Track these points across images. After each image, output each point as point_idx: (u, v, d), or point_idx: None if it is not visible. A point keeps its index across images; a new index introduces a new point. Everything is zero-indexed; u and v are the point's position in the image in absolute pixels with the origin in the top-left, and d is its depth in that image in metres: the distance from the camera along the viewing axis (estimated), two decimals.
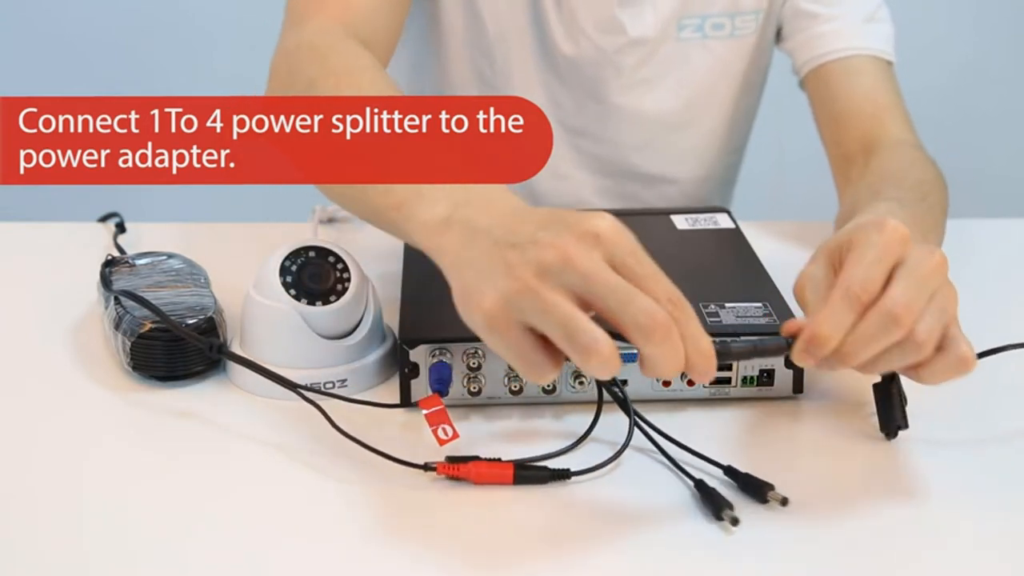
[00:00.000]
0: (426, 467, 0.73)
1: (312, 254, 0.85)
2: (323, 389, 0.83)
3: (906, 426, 0.76)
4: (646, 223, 1.02)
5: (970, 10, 2.44)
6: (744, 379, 0.82)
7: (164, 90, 2.60)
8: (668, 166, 1.26)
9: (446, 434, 0.75)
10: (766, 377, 0.82)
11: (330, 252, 0.85)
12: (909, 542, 0.69)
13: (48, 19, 2.44)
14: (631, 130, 1.23)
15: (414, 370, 0.81)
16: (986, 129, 2.48)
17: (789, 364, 0.81)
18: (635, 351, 0.80)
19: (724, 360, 0.69)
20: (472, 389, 0.81)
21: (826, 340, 0.69)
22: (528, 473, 0.73)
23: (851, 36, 1.16)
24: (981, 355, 0.78)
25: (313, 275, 0.84)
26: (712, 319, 0.82)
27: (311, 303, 0.84)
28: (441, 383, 0.79)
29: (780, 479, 0.75)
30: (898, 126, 1.12)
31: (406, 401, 0.81)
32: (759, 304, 0.84)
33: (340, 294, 0.84)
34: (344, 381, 0.84)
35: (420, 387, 0.81)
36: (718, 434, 0.79)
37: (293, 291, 0.84)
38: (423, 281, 0.90)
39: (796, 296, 0.76)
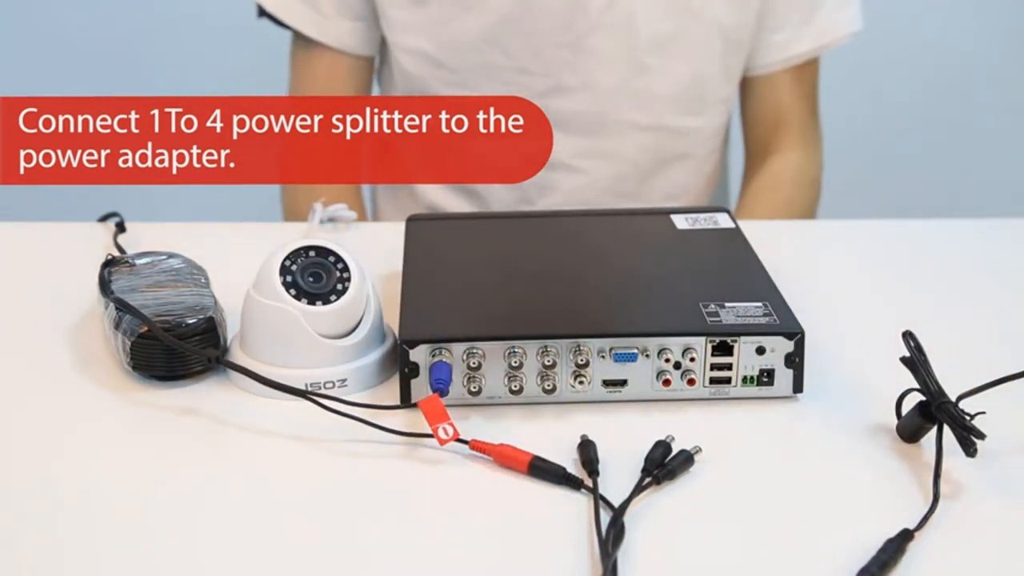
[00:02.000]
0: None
1: (312, 254, 0.85)
2: (323, 389, 0.83)
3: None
4: (646, 222, 1.02)
5: (970, 9, 2.44)
6: (744, 379, 0.82)
7: (164, 90, 2.60)
8: (643, 110, 1.26)
9: (447, 433, 0.75)
10: (766, 377, 0.82)
11: (330, 252, 0.85)
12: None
13: (48, 19, 2.44)
14: (605, 73, 1.23)
15: (414, 370, 0.81)
16: (986, 129, 2.48)
17: (789, 363, 0.81)
18: (633, 351, 0.81)
19: None
20: (472, 389, 0.81)
21: None
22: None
23: (784, 46, 1.29)
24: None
25: (314, 275, 0.84)
26: (712, 319, 0.82)
27: (311, 303, 0.84)
28: (441, 383, 0.79)
29: (780, 479, 0.75)
30: (789, 139, 1.34)
31: (406, 401, 0.81)
32: (759, 304, 0.84)
33: (340, 294, 0.84)
34: (344, 381, 0.84)
35: (420, 387, 0.81)
36: (718, 433, 0.79)
37: (293, 291, 0.84)
38: (423, 281, 0.90)
39: None
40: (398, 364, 0.81)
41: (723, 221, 1.00)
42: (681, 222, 1.00)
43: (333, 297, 0.84)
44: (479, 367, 0.81)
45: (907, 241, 1.14)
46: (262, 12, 1.32)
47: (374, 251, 0.97)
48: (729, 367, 0.82)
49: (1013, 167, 2.49)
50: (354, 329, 0.85)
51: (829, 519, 0.71)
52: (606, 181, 1.27)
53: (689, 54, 1.25)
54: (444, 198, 1.30)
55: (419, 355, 0.81)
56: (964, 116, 2.45)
